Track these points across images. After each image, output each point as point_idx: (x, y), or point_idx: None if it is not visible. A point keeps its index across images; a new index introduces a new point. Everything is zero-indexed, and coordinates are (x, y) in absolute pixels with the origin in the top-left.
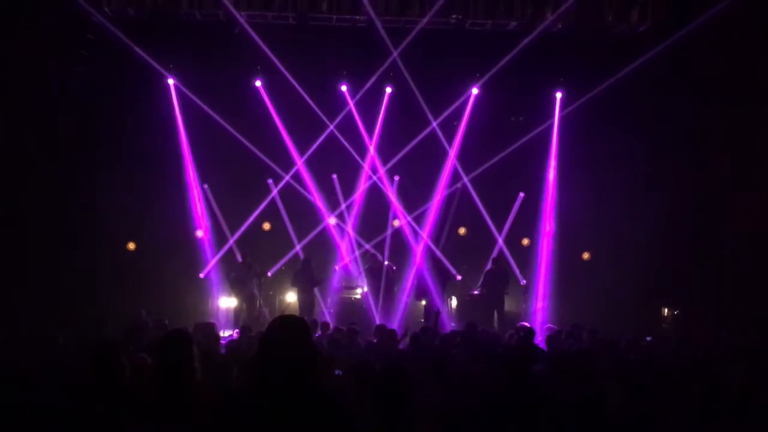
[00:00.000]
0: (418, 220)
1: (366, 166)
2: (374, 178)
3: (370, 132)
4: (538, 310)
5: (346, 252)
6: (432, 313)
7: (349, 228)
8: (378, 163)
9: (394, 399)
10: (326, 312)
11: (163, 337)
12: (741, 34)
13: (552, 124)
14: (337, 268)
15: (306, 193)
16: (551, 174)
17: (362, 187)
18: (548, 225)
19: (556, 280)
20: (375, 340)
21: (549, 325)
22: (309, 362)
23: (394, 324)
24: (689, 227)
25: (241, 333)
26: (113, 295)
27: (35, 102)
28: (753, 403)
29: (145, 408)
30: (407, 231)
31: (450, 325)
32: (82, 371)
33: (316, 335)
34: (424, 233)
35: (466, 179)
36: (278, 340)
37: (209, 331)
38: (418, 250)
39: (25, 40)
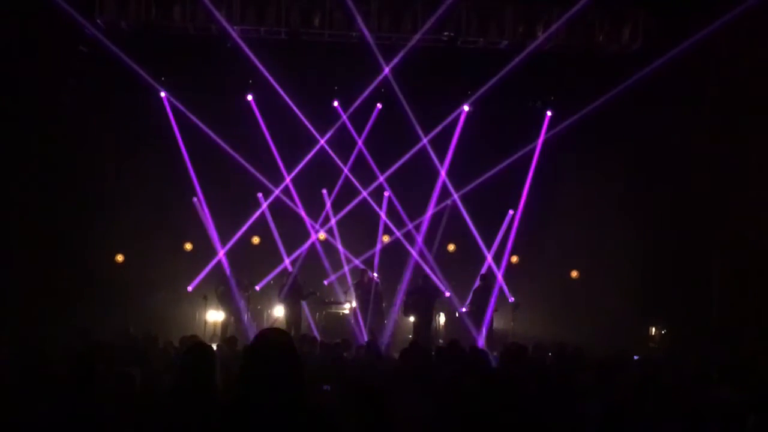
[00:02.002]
0: (409, 236)
1: (356, 182)
2: (364, 193)
3: (361, 147)
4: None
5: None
6: (420, 329)
7: (338, 243)
8: (372, 177)
9: (381, 414)
10: (313, 327)
11: (186, 350)
12: (732, 54)
13: (539, 144)
14: (326, 282)
15: (296, 208)
16: (522, 199)
17: (352, 202)
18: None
19: (543, 298)
20: (363, 355)
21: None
22: (294, 376)
23: (383, 339)
24: (677, 246)
25: (228, 345)
26: (100, 308)
27: (28, 113)
28: (741, 422)
29: (154, 421)
30: (397, 247)
31: (438, 341)
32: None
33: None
34: (415, 249)
35: (456, 196)
36: (262, 354)
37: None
38: (408, 266)
39: (17, 53)
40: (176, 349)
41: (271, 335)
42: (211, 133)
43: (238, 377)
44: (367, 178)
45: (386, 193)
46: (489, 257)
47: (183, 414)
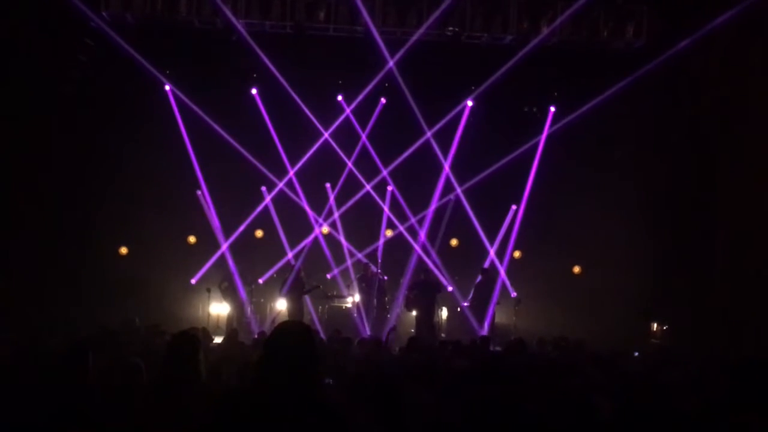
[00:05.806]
0: (412, 230)
1: (360, 176)
2: (368, 187)
3: (365, 141)
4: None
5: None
6: (422, 324)
7: (342, 237)
8: (376, 171)
9: (387, 408)
10: (316, 320)
11: (171, 338)
12: (736, 51)
13: (541, 140)
14: (329, 276)
15: (299, 201)
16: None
17: (356, 196)
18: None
19: (545, 293)
20: (366, 349)
21: None
22: (312, 368)
23: (385, 334)
24: (679, 243)
25: (230, 337)
26: (104, 300)
27: (32, 105)
28: (741, 421)
29: (146, 409)
30: (400, 241)
31: (440, 335)
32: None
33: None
34: (417, 244)
35: (459, 190)
36: (283, 345)
37: (201, 336)
38: (411, 261)
39: (22, 45)
40: None
41: (292, 327)
42: (216, 127)
43: (257, 366)
44: (370, 172)
45: (389, 188)
46: (492, 252)
47: (169, 401)
